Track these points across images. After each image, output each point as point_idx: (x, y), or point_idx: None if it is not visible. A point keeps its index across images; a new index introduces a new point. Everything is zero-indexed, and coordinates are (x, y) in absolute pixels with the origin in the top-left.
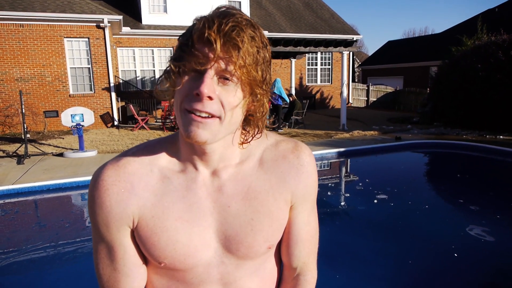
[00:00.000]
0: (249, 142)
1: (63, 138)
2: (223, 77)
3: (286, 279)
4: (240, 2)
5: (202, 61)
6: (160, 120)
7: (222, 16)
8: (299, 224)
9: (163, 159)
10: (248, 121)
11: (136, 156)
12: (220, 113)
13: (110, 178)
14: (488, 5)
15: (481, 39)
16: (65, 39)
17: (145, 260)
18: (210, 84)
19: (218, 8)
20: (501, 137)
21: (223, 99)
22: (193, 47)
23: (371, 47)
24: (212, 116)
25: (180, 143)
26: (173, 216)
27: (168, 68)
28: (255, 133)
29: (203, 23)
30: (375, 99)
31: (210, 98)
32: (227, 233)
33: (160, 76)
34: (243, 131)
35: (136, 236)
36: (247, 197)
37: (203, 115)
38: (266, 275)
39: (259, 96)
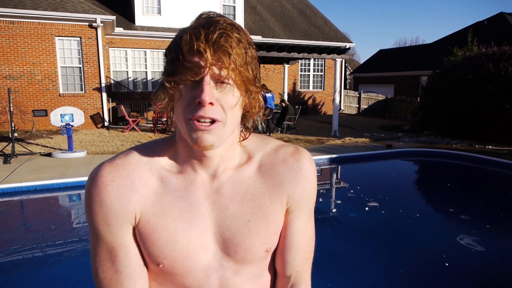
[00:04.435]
0: (247, 137)
1: (51, 138)
2: (219, 81)
3: None
4: (234, 7)
5: (196, 71)
6: (151, 122)
7: (207, 25)
8: (294, 229)
9: (162, 160)
10: (245, 118)
11: (135, 155)
12: (222, 117)
13: (109, 174)
14: (477, 18)
15: (471, 51)
16: (57, 38)
17: (145, 264)
18: (209, 90)
19: (200, 17)
20: (489, 147)
21: (223, 102)
22: (185, 60)
23: (363, 55)
24: (215, 121)
25: (178, 146)
26: (173, 215)
27: (163, 83)
28: (251, 127)
29: (190, 35)
30: (366, 107)
31: (211, 104)
32: (225, 235)
33: (156, 91)
34: (241, 127)
35: (137, 233)
36: (244, 199)
37: (207, 121)
38: (263, 284)
39: (253, 93)
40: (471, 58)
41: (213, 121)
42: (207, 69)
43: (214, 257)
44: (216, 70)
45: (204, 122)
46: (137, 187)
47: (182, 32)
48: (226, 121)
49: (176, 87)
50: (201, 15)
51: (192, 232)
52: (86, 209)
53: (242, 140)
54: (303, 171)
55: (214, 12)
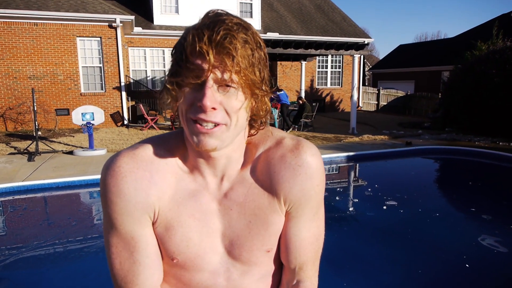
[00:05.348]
0: (254, 134)
1: (73, 136)
2: (222, 85)
3: (284, 285)
4: (251, 4)
5: (198, 74)
6: (170, 120)
7: (212, 25)
8: (294, 228)
9: (175, 155)
10: (253, 120)
11: (152, 148)
12: (226, 120)
13: (127, 165)
14: (502, 10)
15: (496, 44)
16: (78, 38)
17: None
18: (211, 95)
19: (207, 15)
20: None
21: (226, 105)
22: (188, 61)
23: (382, 51)
24: (218, 124)
25: (187, 144)
26: (186, 213)
27: (167, 83)
28: (259, 127)
29: (193, 36)
30: (385, 103)
31: (213, 108)
32: (230, 237)
33: (161, 91)
34: (248, 127)
35: (154, 227)
36: (246, 200)
37: (210, 125)
38: (271, 284)
39: (260, 96)
40: (495, 52)
41: (216, 124)
42: (209, 72)
43: (222, 259)
44: (219, 73)
45: (206, 125)
46: (156, 180)
47: (186, 32)
48: (230, 125)
49: (179, 88)
50: (208, 13)
51: (203, 231)
52: (102, 199)
53: (248, 136)
54: (301, 168)
55: (222, 10)
